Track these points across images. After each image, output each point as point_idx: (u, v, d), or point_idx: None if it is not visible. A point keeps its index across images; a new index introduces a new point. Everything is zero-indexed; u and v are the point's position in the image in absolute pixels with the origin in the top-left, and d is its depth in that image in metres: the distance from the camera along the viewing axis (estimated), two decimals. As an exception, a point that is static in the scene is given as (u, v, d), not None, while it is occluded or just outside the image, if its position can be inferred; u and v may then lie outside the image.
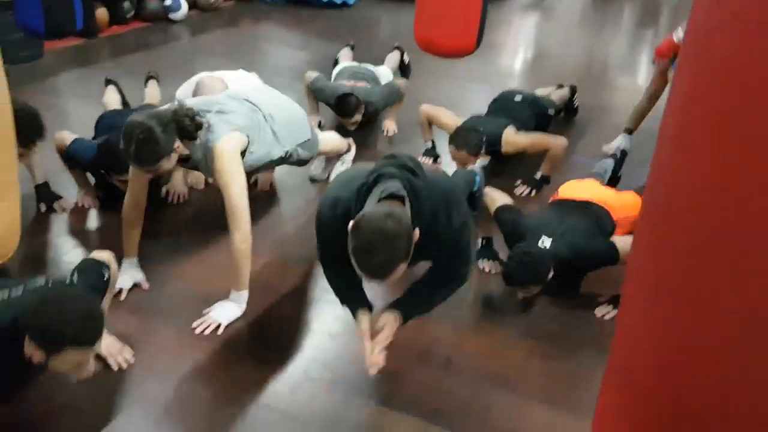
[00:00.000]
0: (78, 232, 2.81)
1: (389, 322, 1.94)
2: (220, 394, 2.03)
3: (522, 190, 3.37)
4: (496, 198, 2.69)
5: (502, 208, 2.65)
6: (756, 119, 0.92)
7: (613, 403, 1.35)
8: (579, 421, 1.95)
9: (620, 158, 3.36)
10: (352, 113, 3.69)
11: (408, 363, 2.17)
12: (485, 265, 2.70)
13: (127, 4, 5.56)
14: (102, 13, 5.30)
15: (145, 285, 2.44)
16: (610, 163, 3.27)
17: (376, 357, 1.88)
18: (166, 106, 2.30)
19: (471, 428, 1.96)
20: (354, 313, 1.99)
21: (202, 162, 2.31)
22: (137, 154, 2.10)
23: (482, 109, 3.77)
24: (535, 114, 3.67)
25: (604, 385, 1.40)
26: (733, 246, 0.98)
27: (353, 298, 2.02)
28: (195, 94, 3.06)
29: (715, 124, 0.98)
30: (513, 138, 3.39)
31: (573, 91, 4.21)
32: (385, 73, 4.14)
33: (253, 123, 2.41)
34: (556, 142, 3.35)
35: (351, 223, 1.67)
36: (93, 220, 2.89)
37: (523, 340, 2.34)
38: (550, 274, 2.40)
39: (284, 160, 2.65)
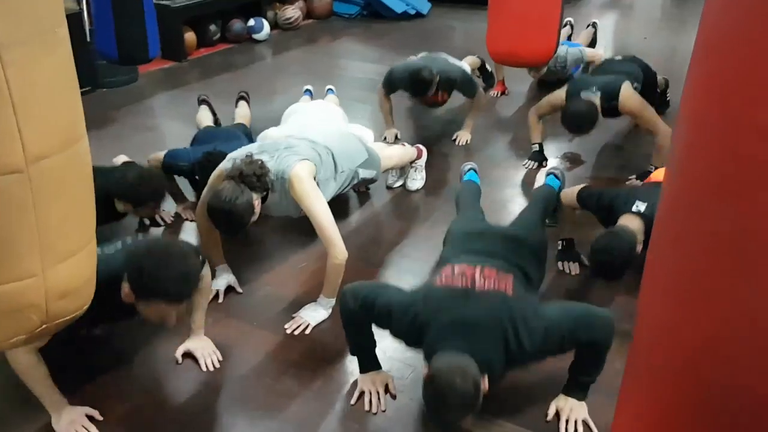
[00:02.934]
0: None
1: (574, 406, 2.02)
2: (308, 390, 2.15)
3: (635, 183, 3.32)
4: (572, 191, 2.67)
5: (585, 188, 2.62)
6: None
7: (633, 401, 1.36)
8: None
9: None
10: (427, 87, 3.51)
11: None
12: (567, 266, 2.71)
13: (213, 27, 5.87)
14: (190, 36, 5.62)
15: (239, 288, 2.61)
16: None
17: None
18: (233, 164, 2.40)
19: None
20: (362, 370, 2.13)
21: (281, 195, 2.46)
22: (230, 230, 2.35)
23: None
24: (642, 70, 3.59)
25: (624, 382, 1.41)
26: (757, 236, 0.98)
27: (368, 357, 2.14)
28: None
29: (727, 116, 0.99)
30: (630, 94, 3.33)
31: (667, 83, 4.16)
32: (462, 64, 4.01)
33: (317, 153, 2.59)
34: (663, 127, 3.25)
35: (425, 374, 1.77)
36: (188, 232, 3.10)
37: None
38: (639, 248, 2.30)
39: (350, 183, 2.82)
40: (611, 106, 3.33)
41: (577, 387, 2.03)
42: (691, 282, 1.12)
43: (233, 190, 2.26)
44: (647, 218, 2.33)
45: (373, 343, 2.11)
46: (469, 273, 1.96)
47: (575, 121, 3.22)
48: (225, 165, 2.49)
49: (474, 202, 2.74)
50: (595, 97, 3.32)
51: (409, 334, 1.93)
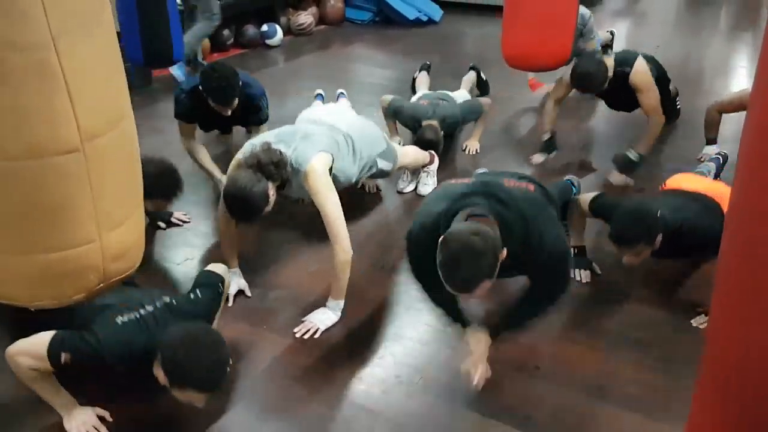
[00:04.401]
0: (190, 242, 3.04)
1: (482, 340, 2.06)
2: (317, 393, 2.15)
3: (616, 178, 3.39)
4: (586, 197, 2.67)
5: (598, 195, 2.61)
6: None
7: (707, 415, 1.33)
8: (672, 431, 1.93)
9: (722, 161, 3.26)
10: (435, 147, 3.52)
11: (497, 370, 2.21)
12: (579, 274, 2.70)
13: (226, 32, 5.91)
14: (204, 42, 5.66)
15: (249, 292, 2.62)
16: (713, 166, 3.18)
17: (479, 371, 2.01)
18: (252, 150, 2.43)
19: (561, 434, 1.98)
20: (463, 326, 2.14)
21: (296, 185, 2.49)
22: (243, 217, 2.38)
23: (582, 116, 3.73)
24: (656, 67, 3.59)
25: (697, 395, 1.38)
26: None
27: (456, 315, 2.15)
28: None
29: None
30: (644, 68, 3.38)
31: (676, 92, 4.15)
32: (461, 96, 4.05)
33: (335, 141, 2.60)
34: (660, 116, 3.30)
35: (440, 238, 1.75)
36: (201, 236, 3.11)
37: (615, 348, 2.33)
38: (659, 239, 2.28)
39: (368, 171, 2.82)
40: (623, 73, 3.36)
41: (501, 323, 2.10)
42: (764, 293, 1.09)
43: (250, 178, 2.28)
44: (665, 224, 2.30)
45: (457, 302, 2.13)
46: (490, 176, 2.03)
47: (584, 76, 3.26)
48: (243, 151, 2.50)
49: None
50: (609, 58, 3.36)
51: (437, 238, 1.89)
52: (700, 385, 1.36)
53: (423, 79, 4.44)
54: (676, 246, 2.34)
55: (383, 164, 2.90)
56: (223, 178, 3.07)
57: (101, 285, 1.61)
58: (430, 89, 4.20)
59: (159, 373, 1.84)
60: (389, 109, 3.84)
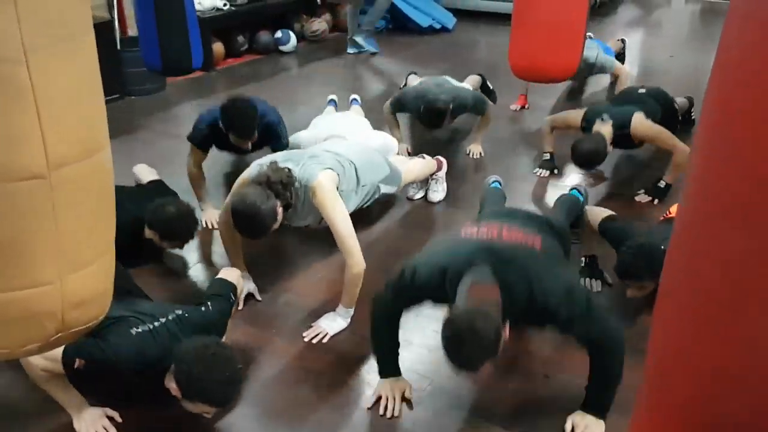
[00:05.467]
0: (200, 247, 3.06)
1: (590, 424, 1.99)
2: (325, 398, 2.16)
3: (643, 198, 3.37)
4: (598, 212, 2.66)
5: (607, 219, 2.61)
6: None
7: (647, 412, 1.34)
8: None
9: None
10: (442, 118, 3.53)
11: (505, 378, 2.21)
12: (590, 284, 2.68)
13: (240, 39, 5.96)
14: (218, 47, 5.71)
15: (258, 296, 2.63)
16: None
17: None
18: (260, 170, 2.44)
19: (569, 443, 1.97)
20: (382, 374, 2.13)
21: (305, 204, 2.49)
22: (250, 233, 2.36)
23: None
24: (661, 106, 3.62)
25: (637, 403, 1.39)
26: None
27: (390, 361, 2.14)
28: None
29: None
30: (642, 122, 3.37)
31: (691, 102, 4.14)
32: (466, 87, 4.03)
33: (340, 164, 2.62)
34: (681, 146, 3.28)
35: (444, 317, 1.77)
36: (216, 239, 3.13)
37: (625, 358, 2.31)
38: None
39: (371, 198, 2.84)
40: (623, 134, 3.36)
41: (593, 403, 2.00)
42: (704, 306, 1.11)
43: (259, 195, 2.29)
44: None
45: (396, 347, 2.13)
46: (495, 229, 1.99)
47: (584, 157, 3.27)
48: (250, 171, 2.52)
49: (500, 201, 2.82)
50: (606, 126, 3.34)
51: (437, 290, 1.93)
52: (638, 407, 1.37)
53: (414, 79, 4.35)
54: None
55: (386, 189, 2.93)
56: (206, 206, 3.15)
57: (59, 335, 1.40)
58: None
59: (171, 385, 1.86)
60: (391, 107, 3.80)
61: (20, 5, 1.16)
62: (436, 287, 1.94)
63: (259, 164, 2.51)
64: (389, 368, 2.14)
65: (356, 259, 2.37)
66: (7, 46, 1.16)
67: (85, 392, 2.02)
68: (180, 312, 2.04)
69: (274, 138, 3.21)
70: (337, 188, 2.53)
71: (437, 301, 2.02)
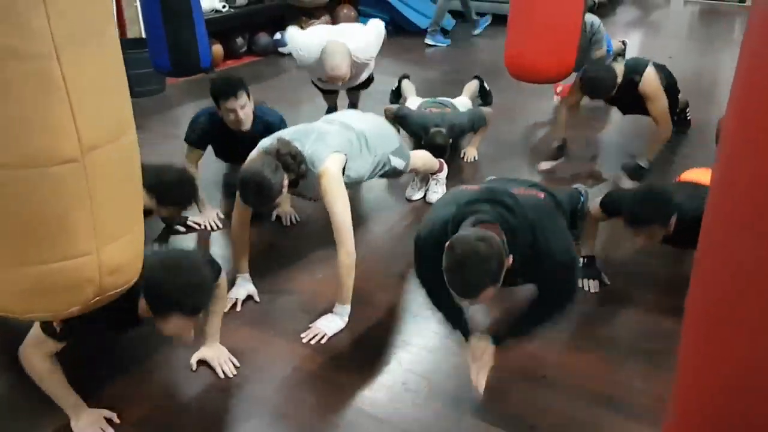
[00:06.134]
0: (199, 251, 3.06)
1: (487, 349, 2.06)
2: (323, 400, 2.16)
3: (625, 182, 3.42)
4: (596, 201, 2.66)
5: (606, 194, 2.61)
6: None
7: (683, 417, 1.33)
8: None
9: None
10: (443, 152, 3.55)
11: (504, 378, 2.21)
12: (588, 284, 2.68)
13: (240, 40, 5.96)
14: (217, 49, 5.71)
15: (257, 297, 2.63)
16: None
17: (481, 380, 2.02)
18: (266, 143, 2.50)
19: (567, 444, 1.97)
20: (466, 334, 2.12)
21: (309, 184, 2.50)
22: (256, 200, 2.36)
23: (594, 126, 3.73)
24: (667, 77, 3.62)
25: (669, 411, 1.39)
26: None
27: (459, 324, 2.15)
28: (322, 59, 3.48)
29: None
30: (654, 76, 3.41)
31: (686, 104, 4.15)
32: (463, 102, 4.07)
33: (348, 140, 2.61)
34: (668, 122, 3.36)
35: (447, 243, 1.76)
36: (215, 240, 3.13)
37: (624, 358, 2.32)
38: (673, 221, 2.28)
39: (381, 169, 2.83)
40: (632, 81, 3.38)
41: (507, 330, 2.09)
42: (734, 307, 1.10)
43: (269, 164, 2.31)
44: (679, 210, 2.31)
45: (461, 310, 2.14)
46: (497, 183, 2.03)
47: (593, 81, 3.31)
48: (261, 145, 2.52)
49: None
50: (619, 65, 3.40)
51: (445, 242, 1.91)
52: (677, 386, 1.37)
53: (408, 86, 4.37)
54: (694, 233, 2.32)
55: (396, 162, 2.90)
56: (204, 206, 3.17)
57: (97, 298, 1.58)
58: (432, 96, 4.15)
59: (143, 307, 1.82)
60: (396, 117, 3.82)
61: (49, 4, 1.28)
62: (442, 242, 1.86)
63: (271, 138, 2.52)
64: (467, 326, 2.13)
65: (347, 248, 2.38)
66: (39, 43, 1.29)
67: (81, 384, 2.02)
68: (156, 246, 1.99)
69: None
70: (344, 169, 2.53)
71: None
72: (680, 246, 2.44)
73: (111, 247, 1.55)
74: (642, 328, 2.47)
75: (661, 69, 3.56)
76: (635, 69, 3.41)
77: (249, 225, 2.62)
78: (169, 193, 2.59)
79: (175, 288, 1.77)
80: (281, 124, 3.20)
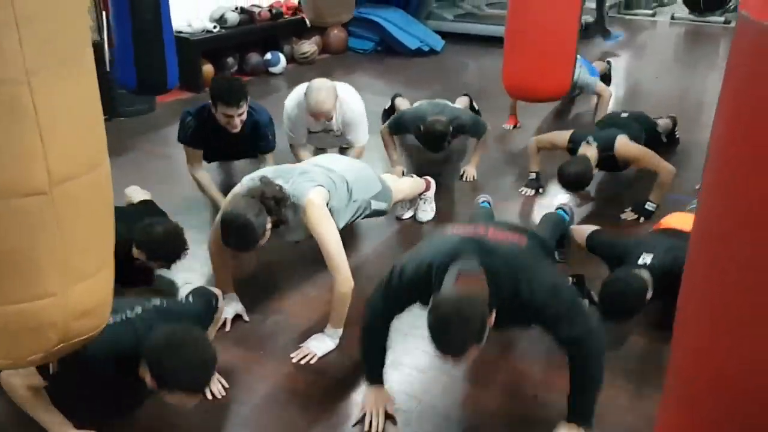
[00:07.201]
0: (189, 266, 3.04)
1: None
2: (313, 420, 2.14)
3: (629, 216, 3.42)
4: (584, 228, 2.68)
5: (594, 233, 2.64)
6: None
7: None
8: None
9: None
10: (443, 140, 3.55)
11: (495, 398, 2.20)
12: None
13: (230, 60, 5.99)
14: (208, 68, 5.74)
15: (246, 317, 2.62)
16: None
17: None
18: (249, 184, 2.46)
19: (558, 464, 1.96)
20: (369, 381, 2.13)
21: (294, 220, 2.48)
22: (238, 244, 2.35)
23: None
24: (644, 129, 3.70)
25: (661, 409, 1.40)
26: None
27: (374, 365, 2.14)
28: (307, 95, 3.37)
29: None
30: (626, 143, 3.47)
31: (674, 122, 4.22)
32: (459, 106, 4.06)
33: (330, 180, 2.62)
34: (666, 166, 3.37)
35: (430, 302, 1.78)
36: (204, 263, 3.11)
37: (611, 378, 2.30)
38: (649, 295, 2.32)
39: (362, 213, 2.84)
40: (608, 156, 3.43)
41: (577, 411, 1.97)
42: (725, 310, 1.13)
43: (251, 207, 2.28)
44: (655, 269, 2.37)
45: (385, 354, 2.13)
46: (481, 228, 2.01)
47: (571, 180, 3.30)
48: (242, 186, 2.51)
49: (488, 218, 2.85)
50: (591, 148, 3.41)
51: (424, 288, 1.92)
52: (666, 396, 1.38)
53: (402, 102, 4.37)
54: (669, 285, 2.35)
55: (377, 205, 2.92)
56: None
57: (61, 345, 1.45)
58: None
59: (146, 377, 1.81)
60: (393, 127, 3.82)
61: (22, 28, 1.20)
62: (424, 283, 1.93)
63: (251, 179, 2.51)
64: (376, 375, 2.13)
65: (344, 276, 2.37)
66: (10, 68, 1.22)
67: (68, 406, 1.98)
68: (158, 302, 2.00)
69: (262, 138, 3.24)
70: (328, 204, 2.53)
71: (425, 303, 1.96)
72: (662, 299, 2.44)
73: (79, 288, 1.42)
74: (630, 348, 2.48)
75: (636, 121, 3.65)
76: (606, 146, 3.44)
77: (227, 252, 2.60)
78: (158, 249, 2.60)
79: (180, 370, 1.76)
80: (269, 126, 3.22)
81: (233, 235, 2.30)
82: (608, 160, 3.45)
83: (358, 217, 2.86)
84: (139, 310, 1.95)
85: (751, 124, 1.03)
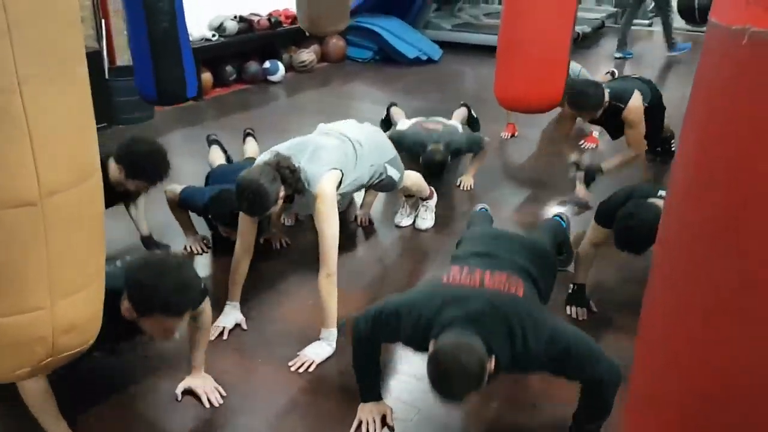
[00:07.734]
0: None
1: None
2: (311, 429, 2.13)
3: (581, 190, 3.61)
4: (586, 240, 2.67)
5: (597, 209, 2.64)
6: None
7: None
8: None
9: None
10: (442, 169, 3.58)
11: (494, 407, 2.20)
12: (575, 311, 2.69)
13: (229, 68, 6.01)
14: (207, 77, 5.75)
15: (245, 326, 2.61)
16: None
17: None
18: (265, 157, 2.52)
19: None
20: (363, 399, 2.13)
21: (303, 202, 2.53)
22: (250, 207, 2.37)
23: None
24: (653, 94, 3.71)
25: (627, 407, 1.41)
26: (757, 285, 1.00)
27: (370, 384, 2.14)
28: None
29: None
30: (639, 104, 3.51)
31: (671, 134, 4.24)
32: (455, 125, 4.06)
33: (343, 153, 2.63)
34: (642, 152, 3.54)
35: (429, 351, 1.78)
36: (199, 267, 3.11)
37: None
38: None
39: (378, 178, 2.85)
40: (617, 108, 3.48)
41: (580, 430, 1.99)
42: (688, 330, 1.13)
43: (268, 173, 2.34)
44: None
45: (378, 372, 2.13)
46: (477, 275, 1.97)
47: (579, 95, 3.40)
48: (259, 160, 2.53)
49: (487, 222, 2.84)
50: (605, 90, 3.47)
51: (415, 336, 1.91)
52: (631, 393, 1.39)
53: (398, 112, 4.38)
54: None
55: (392, 171, 2.92)
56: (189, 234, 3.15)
57: (49, 360, 1.42)
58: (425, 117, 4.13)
59: (126, 307, 1.76)
60: (390, 140, 3.83)
61: (15, 36, 1.18)
62: (411, 333, 1.92)
63: (269, 153, 2.53)
64: (370, 393, 2.14)
65: (329, 269, 2.39)
66: (1, 76, 1.19)
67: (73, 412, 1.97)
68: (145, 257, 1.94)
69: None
70: (339, 185, 2.54)
71: (408, 344, 1.99)
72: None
73: (67, 302, 1.39)
74: (628, 356, 2.47)
75: (646, 89, 3.67)
76: (621, 97, 3.50)
77: (253, 248, 2.60)
78: (139, 164, 2.46)
79: (159, 288, 1.70)
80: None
81: (246, 199, 2.32)
82: (614, 112, 3.49)
83: (375, 181, 2.87)
84: (118, 263, 1.93)
85: (719, 131, 1.04)
